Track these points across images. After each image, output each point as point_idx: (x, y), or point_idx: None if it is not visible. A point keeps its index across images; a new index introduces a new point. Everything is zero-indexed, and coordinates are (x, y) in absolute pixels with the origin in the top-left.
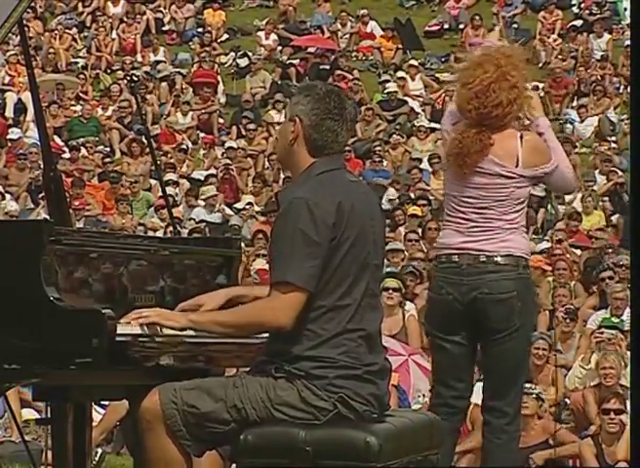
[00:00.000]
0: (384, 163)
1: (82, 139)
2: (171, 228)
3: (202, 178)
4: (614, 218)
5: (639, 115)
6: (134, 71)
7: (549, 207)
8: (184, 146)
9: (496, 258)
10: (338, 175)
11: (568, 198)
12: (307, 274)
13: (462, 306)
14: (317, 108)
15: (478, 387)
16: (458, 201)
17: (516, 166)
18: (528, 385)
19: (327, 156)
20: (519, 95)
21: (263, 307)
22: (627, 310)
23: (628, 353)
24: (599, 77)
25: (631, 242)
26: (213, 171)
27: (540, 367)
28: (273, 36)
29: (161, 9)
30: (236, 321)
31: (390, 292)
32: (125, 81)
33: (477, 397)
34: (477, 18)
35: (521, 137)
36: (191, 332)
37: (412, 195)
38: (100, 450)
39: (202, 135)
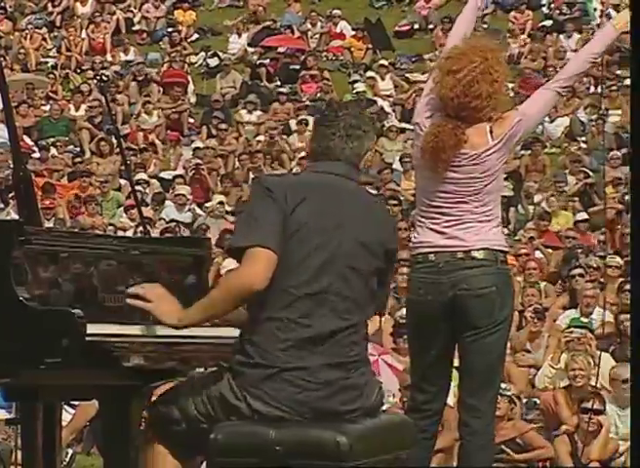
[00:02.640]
0: None
1: (52, 139)
2: (141, 228)
3: (170, 178)
4: (582, 218)
5: (639, 117)
6: (103, 71)
7: (519, 207)
8: (153, 146)
9: (473, 253)
10: (328, 178)
11: (537, 198)
12: (266, 233)
13: (442, 306)
14: (315, 122)
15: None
16: (432, 196)
17: (486, 145)
18: (503, 386)
19: (328, 160)
20: (498, 90)
21: (236, 273)
22: (597, 309)
23: (598, 352)
24: None
25: (632, 244)
26: (181, 170)
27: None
28: (243, 36)
29: (131, 8)
30: (217, 294)
31: None
32: (95, 81)
33: (449, 397)
34: (447, 20)
35: (491, 132)
36: (164, 332)
37: (383, 195)
38: (70, 451)
39: (171, 133)
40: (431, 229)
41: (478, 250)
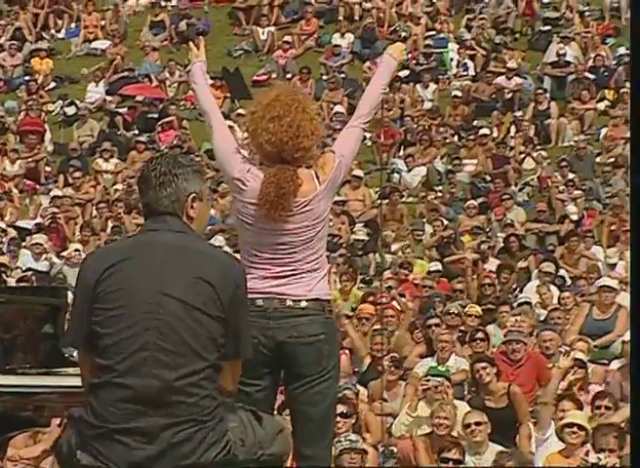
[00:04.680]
0: (212, 211)
1: None
2: None
3: (29, 227)
4: (437, 268)
5: (639, 128)
6: None
7: (376, 255)
8: (10, 195)
9: (302, 302)
10: (146, 236)
11: (394, 247)
12: (73, 333)
13: (268, 350)
14: (136, 183)
15: None
16: (264, 248)
17: (315, 190)
18: (354, 438)
19: (151, 215)
20: (317, 126)
21: None
22: (453, 357)
23: (456, 402)
24: (426, 127)
25: (632, 268)
26: (39, 219)
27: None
28: (101, 85)
29: None
30: None
31: None
32: None
33: None
34: (305, 70)
35: (317, 177)
36: (18, 382)
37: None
38: None
39: (28, 183)
40: (263, 277)
41: (308, 300)
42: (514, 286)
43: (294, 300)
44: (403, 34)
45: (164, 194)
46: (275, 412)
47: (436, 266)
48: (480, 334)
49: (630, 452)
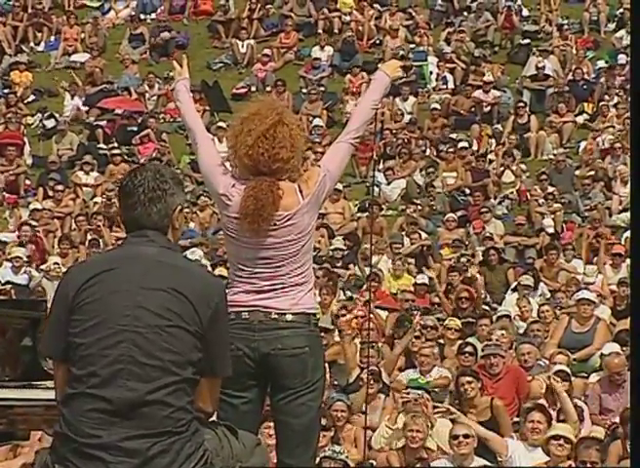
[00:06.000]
0: (192, 224)
1: None
2: None
3: (9, 240)
4: (419, 280)
5: (639, 133)
6: None
7: (356, 268)
8: None
9: (287, 316)
10: (132, 250)
11: (373, 260)
12: (50, 343)
13: (253, 362)
14: (117, 194)
15: None
16: (250, 262)
17: (298, 204)
18: (338, 449)
19: (136, 229)
20: (296, 140)
21: None
22: (435, 369)
23: (435, 415)
24: (405, 140)
25: (631, 279)
26: (19, 232)
27: (341, 427)
28: (78, 98)
29: None
30: None
31: None
32: None
33: None
34: (280, 83)
35: (300, 191)
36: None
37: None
38: None
39: (7, 196)
40: (248, 291)
41: (293, 313)
42: (487, 298)
43: (279, 313)
44: (401, 53)
45: (154, 210)
46: None
47: (423, 279)
48: (469, 348)
49: (631, 453)
